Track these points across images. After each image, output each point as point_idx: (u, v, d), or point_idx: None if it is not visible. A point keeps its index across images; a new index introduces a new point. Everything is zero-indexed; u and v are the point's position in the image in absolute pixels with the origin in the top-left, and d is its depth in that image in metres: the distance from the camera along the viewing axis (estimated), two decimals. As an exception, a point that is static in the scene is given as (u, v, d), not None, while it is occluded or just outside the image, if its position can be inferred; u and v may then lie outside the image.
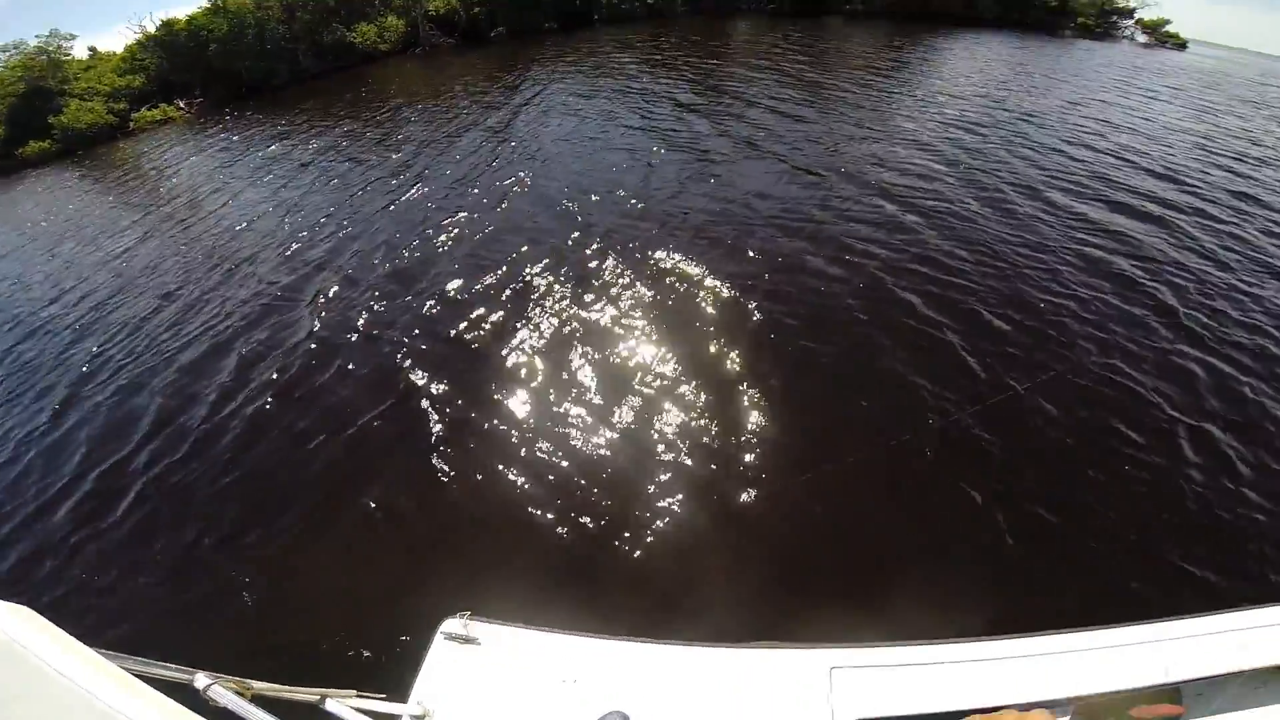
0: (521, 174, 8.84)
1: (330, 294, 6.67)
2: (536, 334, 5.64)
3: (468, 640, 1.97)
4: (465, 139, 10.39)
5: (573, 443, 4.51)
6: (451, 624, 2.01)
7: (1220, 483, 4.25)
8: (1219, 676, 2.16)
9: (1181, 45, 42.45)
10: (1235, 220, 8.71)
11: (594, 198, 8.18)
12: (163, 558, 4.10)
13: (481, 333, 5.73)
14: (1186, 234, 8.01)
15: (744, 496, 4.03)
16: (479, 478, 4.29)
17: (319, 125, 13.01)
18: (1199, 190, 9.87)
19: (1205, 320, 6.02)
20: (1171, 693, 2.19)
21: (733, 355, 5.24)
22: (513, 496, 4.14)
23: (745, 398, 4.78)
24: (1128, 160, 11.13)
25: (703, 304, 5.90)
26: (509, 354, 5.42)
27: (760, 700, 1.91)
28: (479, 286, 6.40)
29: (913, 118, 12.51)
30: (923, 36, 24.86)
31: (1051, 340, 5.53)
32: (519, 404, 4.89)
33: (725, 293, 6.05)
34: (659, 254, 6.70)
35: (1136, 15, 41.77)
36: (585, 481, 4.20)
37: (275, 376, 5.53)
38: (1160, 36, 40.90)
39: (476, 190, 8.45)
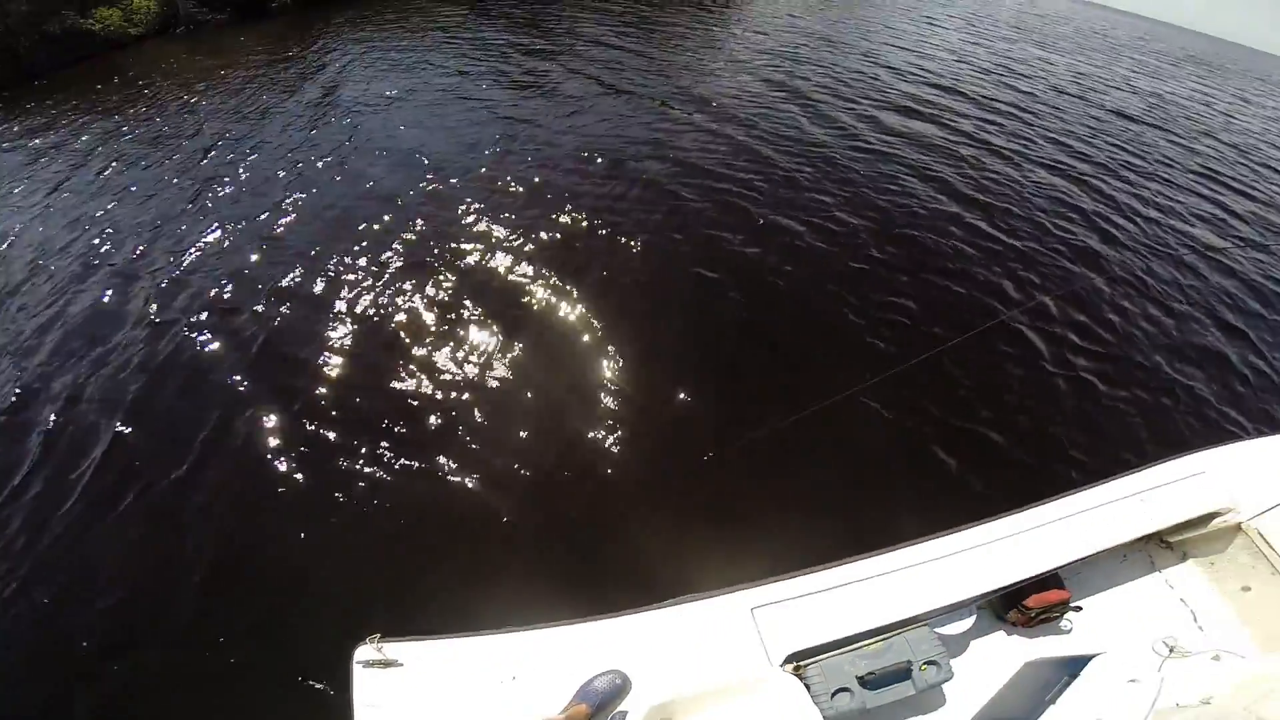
0: (337, 153, 7.68)
1: (147, 310, 5.32)
2: (377, 319, 4.99)
3: (388, 664, 1.81)
4: (255, 125, 8.84)
5: (459, 423, 4.06)
6: (364, 651, 1.83)
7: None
8: (1091, 556, 2.32)
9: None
10: (1005, 117, 10.82)
11: (418, 160, 7.38)
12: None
13: (327, 325, 4.94)
14: (963, 130, 9.70)
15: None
16: (360, 485, 3.71)
17: (65, 128, 10.47)
18: (977, 95, 12.00)
19: (988, 198, 7.48)
20: (1053, 578, 2.33)
21: (599, 299, 5.10)
22: (400, 493, 3.67)
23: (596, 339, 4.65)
24: (915, 75, 12.79)
25: (563, 253, 5.64)
26: (356, 341, 4.77)
27: (696, 657, 1.89)
28: (309, 276, 5.49)
29: (735, 48, 13.27)
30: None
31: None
32: (396, 396, 4.28)
33: (587, 235, 5.85)
34: (508, 210, 6.29)
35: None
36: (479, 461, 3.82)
37: (101, 417, 4.34)
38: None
39: (283, 178, 7.21)
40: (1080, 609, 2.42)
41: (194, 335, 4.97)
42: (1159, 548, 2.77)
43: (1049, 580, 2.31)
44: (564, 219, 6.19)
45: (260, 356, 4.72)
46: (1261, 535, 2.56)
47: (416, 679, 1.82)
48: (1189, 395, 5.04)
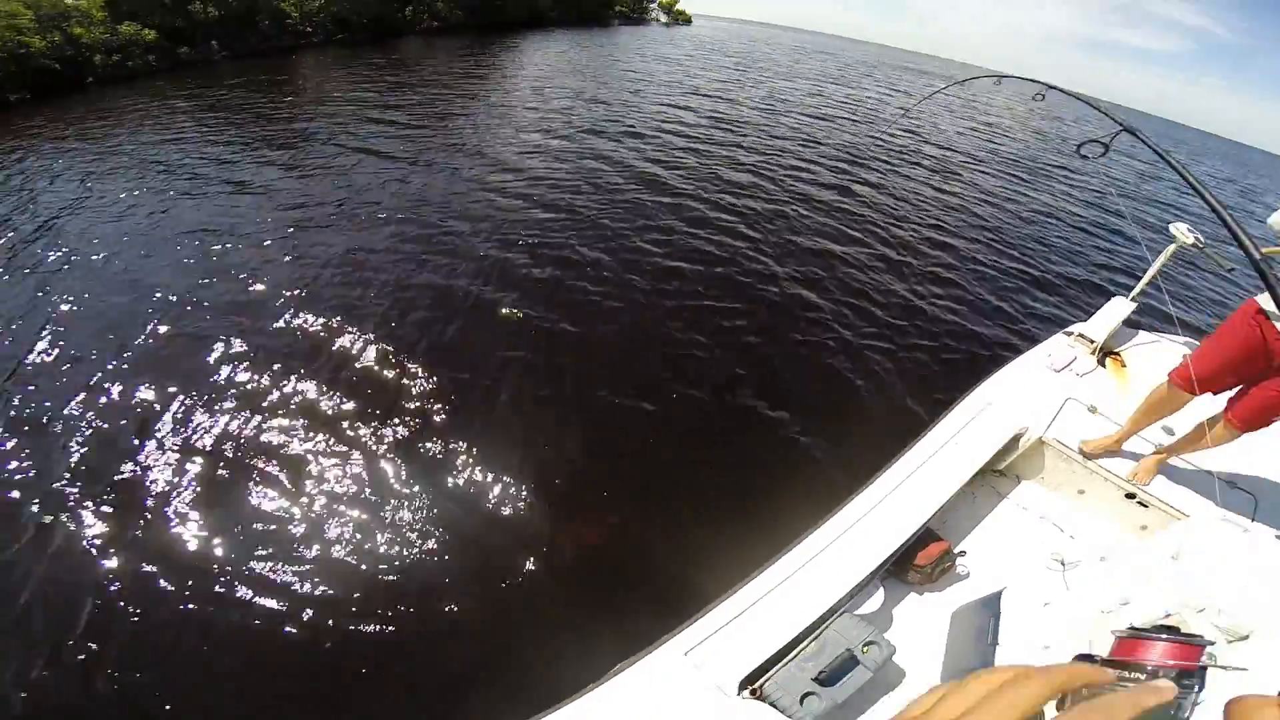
0: (52, 278, 5.79)
1: None
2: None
3: None
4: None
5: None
6: None
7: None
8: (947, 503, 2.43)
9: (688, 20, 57.61)
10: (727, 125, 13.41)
11: (154, 297, 5.74)
12: None
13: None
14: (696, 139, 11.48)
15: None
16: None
17: None
18: (704, 113, 14.78)
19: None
20: (929, 533, 2.41)
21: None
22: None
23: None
24: (645, 99, 15.61)
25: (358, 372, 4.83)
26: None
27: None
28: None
29: (514, 106, 13.80)
30: (502, 41, 26.65)
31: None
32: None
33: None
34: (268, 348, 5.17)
35: (658, 0, 54.41)
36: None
37: None
38: (675, 15, 54.30)
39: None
40: (964, 553, 2.51)
41: None
42: (997, 477, 2.94)
43: (925, 536, 2.40)
44: (386, 317, 5.33)
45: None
46: (1062, 444, 2.81)
47: None
48: (959, 338, 5.93)
